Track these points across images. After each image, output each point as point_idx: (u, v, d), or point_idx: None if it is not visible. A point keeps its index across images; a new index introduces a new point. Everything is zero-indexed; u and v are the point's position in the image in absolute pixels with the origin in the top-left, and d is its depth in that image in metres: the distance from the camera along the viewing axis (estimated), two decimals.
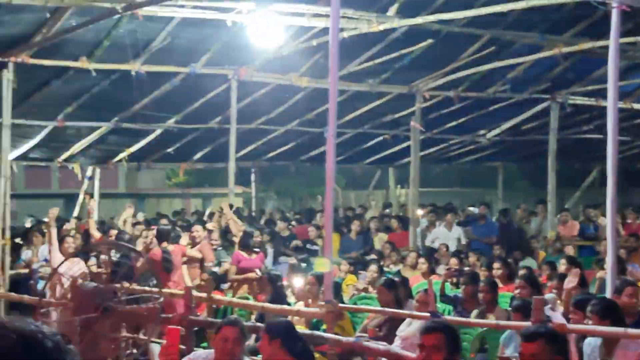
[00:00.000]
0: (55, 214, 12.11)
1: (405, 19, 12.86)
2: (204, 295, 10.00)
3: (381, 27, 12.85)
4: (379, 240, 16.44)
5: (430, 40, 14.37)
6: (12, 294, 12.21)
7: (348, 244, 16.07)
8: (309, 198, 31.03)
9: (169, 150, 18.84)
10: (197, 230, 13.66)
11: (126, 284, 9.34)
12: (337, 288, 9.91)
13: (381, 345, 7.41)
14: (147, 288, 9.58)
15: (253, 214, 21.43)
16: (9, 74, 12.39)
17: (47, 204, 24.29)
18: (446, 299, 10.38)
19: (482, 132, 21.55)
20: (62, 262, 10.00)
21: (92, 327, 7.98)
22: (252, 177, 22.68)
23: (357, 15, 12.59)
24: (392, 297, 9.40)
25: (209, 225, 14.70)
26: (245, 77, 15.12)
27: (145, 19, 11.97)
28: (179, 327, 8.74)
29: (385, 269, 12.91)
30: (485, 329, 8.75)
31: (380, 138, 21.11)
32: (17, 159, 16.84)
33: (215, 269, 12.77)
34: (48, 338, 1.81)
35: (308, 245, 15.75)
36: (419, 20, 12.75)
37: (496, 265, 11.49)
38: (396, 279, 10.42)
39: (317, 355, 8.48)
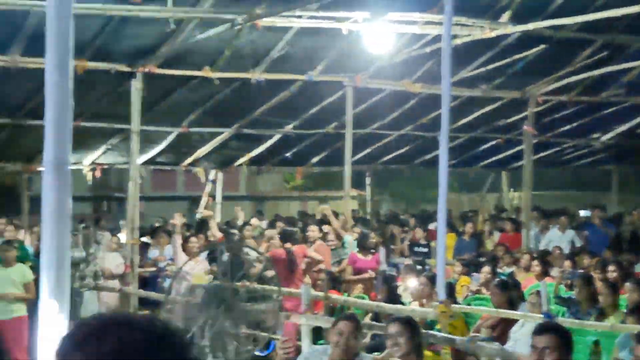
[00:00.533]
0: (181, 221, 12.69)
1: (518, 25, 12.96)
2: (320, 294, 10.36)
3: (493, 34, 12.99)
4: (492, 242, 16.55)
5: (543, 46, 14.41)
6: (141, 290, 12.87)
7: (461, 246, 16.24)
8: (422, 201, 31.15)
9: (287, 154, 19.15)
10: (313, 230, 14.03)
11: (247, 283, 9.74)
12: (451, 289, 10.10)
13: (494, 346, 7.61)
14: (266, 287, 9.97)
15: (368, 216, 21.76)
16: (137, 84, 12.83)
17: (172, 205, 25.06)
18: (560, 301, 10.42)
19: (596, 135, 21.32)
20: (187, 262, 10.52)
21: (215, 323, 8.39)
22: (367, 180, 22.91)
23: (470, 22, 12.77)
24: (506, 298, 9.44)
25: (325, 228, 15.01)
26: (360, 84, 15.35)
27: (264, 29, 12.30)
28: (297, 324, 9.13)
29: (498, 270, 12.98)
30: (600, 331, 8.76)
31: (494, 142, 21.18)
32: (145, 163, 17.22)
33: (333, 268, 13.07)
34: (175, 334, 1.83)
35: (416, 248, 15.97)
36: (531, 26, 12.83)
37: (611, 267, 11.41)
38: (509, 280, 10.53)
39: (431, 354, 8.73)
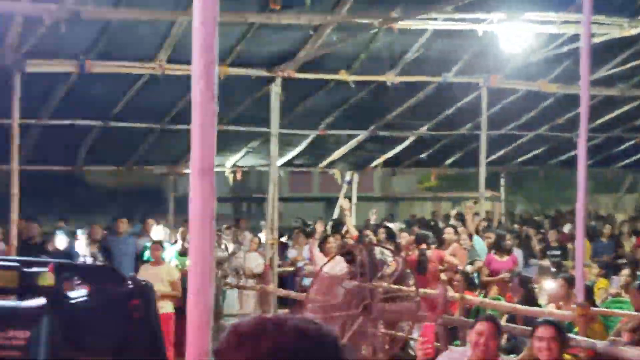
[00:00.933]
0: (321, 229, 12.91)
1: None
2: (456, 295, 10.40)
3: (632, 32, 12.77)
4: (631, 244, 16.21)
5: None
6: (280, 289, 13.17)
7: (599, 248, 15.98)
8: (557, 202, 30.62)
9: (422, 155, 19.23)
10: (449, 232, 14.04)
11: (384, 283, 9.87)
12: (589, 291, 9.96)
13: (637, 350, 7.48)
14: (403, 287, 10.08)
15: (503, 217, 21.58)
16: (277, 88, 13.16)
17: (309, 206, 25.44)
18: None
19: None
20: (326, 262, 10.72)
21: (353, 324, 8.55)
22: (502, 181, 22.72)
23: (609, 20, 12.60)
24: None
25: (459, 230, 14.97)
26: (495, 85, 15.31)
27: (400, 32, 12.45)
28: (434, 325, 9.20)
29: (639, 273, 12.72)
30: None
31: (632, 142, 20.74)
32: (284, 165, 17.55)
33: (467, 268, 13.06)
34: (329, 337, 1.86)
35: (549, 251, 15.74)
36: None
37: None
38: None
39: (568, 357, 8.68)
